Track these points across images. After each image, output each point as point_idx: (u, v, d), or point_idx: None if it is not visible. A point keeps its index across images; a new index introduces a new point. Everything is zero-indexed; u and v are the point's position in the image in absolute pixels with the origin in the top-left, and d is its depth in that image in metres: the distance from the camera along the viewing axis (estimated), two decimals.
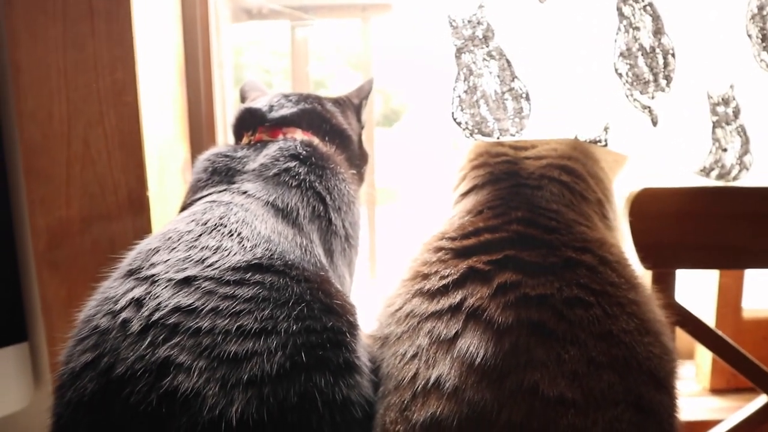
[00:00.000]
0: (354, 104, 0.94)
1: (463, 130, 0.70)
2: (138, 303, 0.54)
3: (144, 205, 0.89)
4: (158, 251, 0.60)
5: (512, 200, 0.68)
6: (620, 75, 0.70)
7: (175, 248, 0.60)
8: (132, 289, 0.56)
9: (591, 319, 0.56)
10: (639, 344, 0.56)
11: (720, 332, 0.83)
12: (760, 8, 0.73)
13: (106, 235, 0.89)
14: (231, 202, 0.68)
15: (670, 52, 0.71)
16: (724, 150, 0.77)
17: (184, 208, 0.75)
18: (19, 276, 0.94)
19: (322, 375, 0.53)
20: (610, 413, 0.51)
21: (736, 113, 0.76)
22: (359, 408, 0.55)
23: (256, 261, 0.59)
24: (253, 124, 0.84)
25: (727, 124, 0.76)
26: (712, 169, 0.78)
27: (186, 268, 0.57)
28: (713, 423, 0.86)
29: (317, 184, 0.75)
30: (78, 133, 0.87)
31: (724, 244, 0.79)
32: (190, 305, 0.53)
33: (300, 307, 0.56)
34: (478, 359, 0.52)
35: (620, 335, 0.55)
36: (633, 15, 0.69)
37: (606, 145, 0.71)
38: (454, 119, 0.70)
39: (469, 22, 0.68)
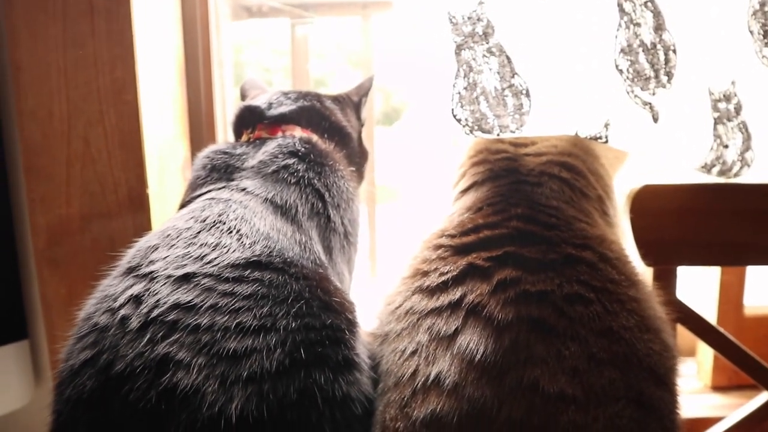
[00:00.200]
0: (353, 102, 0.94)
1: (463, 126, 0.70)
2: (137, 300, 0.54)
3: (144, 204, 0.89)
4: (157, 248, 0.60)
5: (512, 197, 0.68)
6: (621, 71, 0.69)
7: (174, 245, 0.60)
8: (131, 286, 0.56)
9: (591, 316, 0.55)
10: (639, 341, 0.56)
11: (721, 329, 0.83)
12: (762, 4, 0.73)
13: (106, 233, 0.89)
14: (230, 199, 0.68)
15: (671, 48, 0.71)
16: (726, 146, 0.77)
17: (183, 205, 0.75)
18: (20, 274, 0.95)
19: (321, 372, 0.53)
20: (610, 409, 0.51)
21: (738, 110, 0.76)
22: (359, 404, 0.55)
23: (255, 258, 0.59)
24: (252, 121, 0.84)
25: (729, 120, 0.76)
26: (714, 166, 0.77)
27: (185, 265, 0.57)
28: (715, 420, 0.86)
29: (316, 181, 0.75)
30: (78, 131, 0.87)
31: (726, 241, 0.79)
32: (189, 302, 0.53)
33: (299, 305, 0.56)
34: (478, 356, 0.52)
35: (620, 332, 0.55)
36: (634, 11, 0.69)
37: (606, 142, 0.71)
38: (454, 116, 0.70)
39: (468, 18, 0.68)
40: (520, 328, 0.54)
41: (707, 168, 0.78)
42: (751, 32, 0.74)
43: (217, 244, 0.59)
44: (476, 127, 0.70)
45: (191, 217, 0.64)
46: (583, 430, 0.49)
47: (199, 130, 1.06)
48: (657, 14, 0.69)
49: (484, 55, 0.68)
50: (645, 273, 0.74)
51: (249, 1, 1.25)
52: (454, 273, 0.60)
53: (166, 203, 0.96)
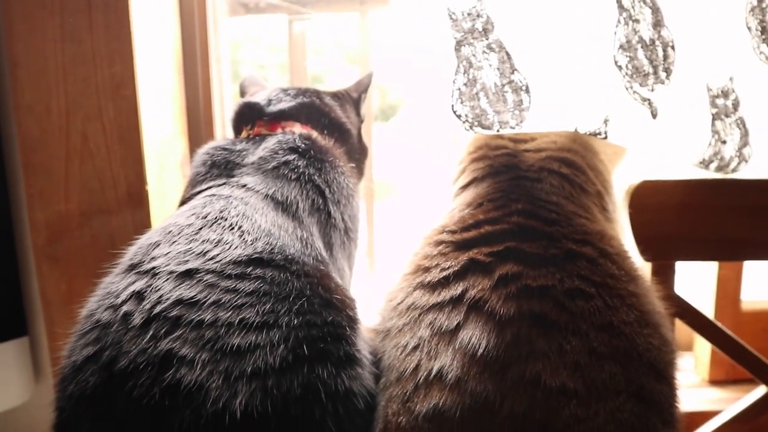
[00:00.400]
0: (353, 98, 0.94)
1: (463, 122, 0.70)
2: (139, 296, 0.54)
3: (143, 200, 0.89)
4: (159, 245, 0.60)
5: (512, 192, 0.68)
6: (620, 67, 0.70)
7: (175, 241, 0.60)
8: (133, 282, 0.56)
9: (592, 311, 0.56)
10: (639, 335, 0.56)
11: (719, 324, 0.83)
12: (760, 0, 0.73)
13: (105, 229, 0.89)
14: (231, 196, 0.68)
15: (670, 44, 0.71)
16: (724, 142, 0.77)
17: (183, 202, 0.75)
18: (19, 270, 0.94)
19: (324, 367, 0.53)
20: (611, 403, 0.51)
21: (736, 105, 0.76)
22: (361, 399, 0.55)
23: (257, 255, 0.59)
24: (251, 118, 0.84)
25: (727, 116, 0.76)
26: (712, 162, 0.78)
27: (187, 261, 0.57)
28: (712, 414, 0.87)
29: (316, 177, 0.75)
30: (76, 127, 0.86)
31: (723, 236, 0.80)
32: (192, 298, 0.53)
33: (300, 302, 0.56)
34: (480, 350, 0.53)
35: (621, 326, 0.56)
36: (633, 7, 0.69)
37: (606, 138, 0.71)
38: (454, 112, 0.70)
39: (468, 14, 0.68)
40: (521, 322, 0.54)
41: (705, 164, 0.78)
42: (749, 29, 0.74)
43: (219, 241, 0.59)
44: (476, 123, 0.70)
45: (192, 214, 0.64)
46: (584, 423, 0.50)
47: (197, 126, 1.06)
48: (656, 10, 0.70)
49: (483, 51, 0.68)
50: (644, 268, 0.74)
51: None
52: (456, 268, 0.60)
53: (165, 199, 0.96)
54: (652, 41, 0.70)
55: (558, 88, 0.69)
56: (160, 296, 0.53)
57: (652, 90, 0.71)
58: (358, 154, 0.91)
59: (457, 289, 0.58)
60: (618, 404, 0.51)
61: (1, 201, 0.91)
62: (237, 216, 0.63)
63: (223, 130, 1.10)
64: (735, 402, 0.87)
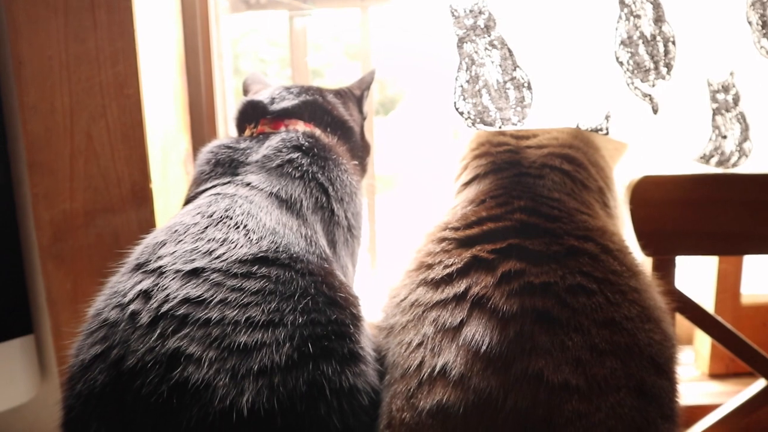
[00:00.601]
0: (355, 96, 0.94)
1: (465, 119, 0.70)
2: (146, 295, 0.55)
3: (147, 198, 0.90)
4: (165, 244, 0.60)
5: (514, 189, 0.69)
6: (621, 63, 0.70)
7: (181, 240, 0.60)
8: (140, 281, 0.57)
9: (594, 307, 0.56)
10: (640, 331, 0.57)
11: (719, 318, 0.84)
12: None
13: (110, 227, 0.89)
14: (235, 194, 0.68)
15: (671, 39, 0.71)
16: (724, 137, 0.77)
17: (188, 201, 0.75)
18: (24, 269, 0.95)
19: (328, 364, 0.53)
20: (612, 398, 0.52)
21: (736, 100, 0.76)
22: (366, 396, 0.56)
23: (263, 254, 0.59)
24: (255, 116, 0.84)
25: (727, 111, 0.77)
26: (712, 156, 0.78)
27: (194, 260, 0.57)
28: (712, 407, 0.87)
29: (320, 175, 0.75)
30: (81, 126, 0.87)
31: (724, 231, 0.80)
32: (199, 296, 0.54)
33: (305, 301, 0.56)
34: (484, 347, 0.53)
35: (622, 322, 0.56)
36: (634, 3, 0.69)
37: (607, 134, 0.71)
38: (456, 109, 0.70)
39: (470, 11, 0.68)
40: (524, 319, 0.55)
41: (706, 158, 0.78)
42: (750, 23, 0.74)
43: (224, 240, 0.60)
44: (478, 120, 0.71)
45: (198, 213, 0.64)
46: (586, 418, 0.50)
47: (200, 122, 1.06)
48: (657, 6, 0.70)
49: (486, 48, 0.69)
50: (644, 263, 0.75)
51: None
52: (459, 265, 0.61)
53: (169, 197, 0.96)
54: (653, 37, 0.70)
55: (560, 84, 0.69)
56: (167, 295, 0.54)
57: (653, 85, 0.71)
58: (361, 151, 0.91)
59: (460, 286, 0.59)
60: (619, 399, 0.52)
61: (6, 200, 0.92)
62: (242, 215, 0.64)
63: (226, 126, 1.10)
64: (735, 395, 0.87)
